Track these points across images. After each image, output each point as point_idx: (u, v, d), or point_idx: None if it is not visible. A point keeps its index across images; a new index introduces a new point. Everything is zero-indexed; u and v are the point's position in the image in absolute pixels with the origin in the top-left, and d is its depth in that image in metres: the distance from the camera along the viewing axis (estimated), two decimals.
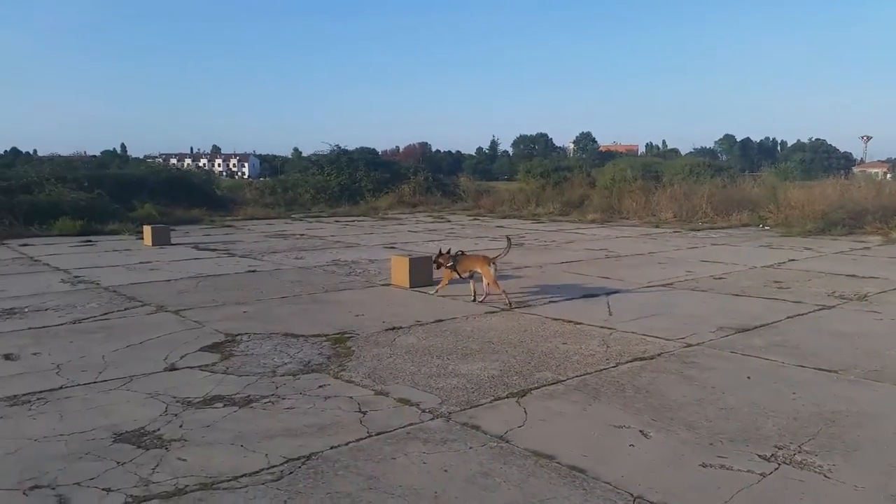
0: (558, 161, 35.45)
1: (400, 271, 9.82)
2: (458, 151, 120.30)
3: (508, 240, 9.24)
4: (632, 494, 3.58)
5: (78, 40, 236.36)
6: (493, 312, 8.09)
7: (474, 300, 8.62)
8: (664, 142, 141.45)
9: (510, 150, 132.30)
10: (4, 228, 17.00)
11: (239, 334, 7.06)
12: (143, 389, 5.29)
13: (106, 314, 8.05)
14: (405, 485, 3.68)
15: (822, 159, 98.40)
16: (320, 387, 5.35)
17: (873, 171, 47.34)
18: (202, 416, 4.70)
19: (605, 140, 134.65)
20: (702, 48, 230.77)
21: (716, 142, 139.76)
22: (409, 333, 7.07)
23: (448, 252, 9.02)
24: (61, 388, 5.35)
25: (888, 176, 40.14)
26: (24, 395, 5.17)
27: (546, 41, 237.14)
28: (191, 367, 5.90)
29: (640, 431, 4.43)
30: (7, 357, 6.22)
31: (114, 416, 4.70)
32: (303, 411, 4.80)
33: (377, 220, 23.11)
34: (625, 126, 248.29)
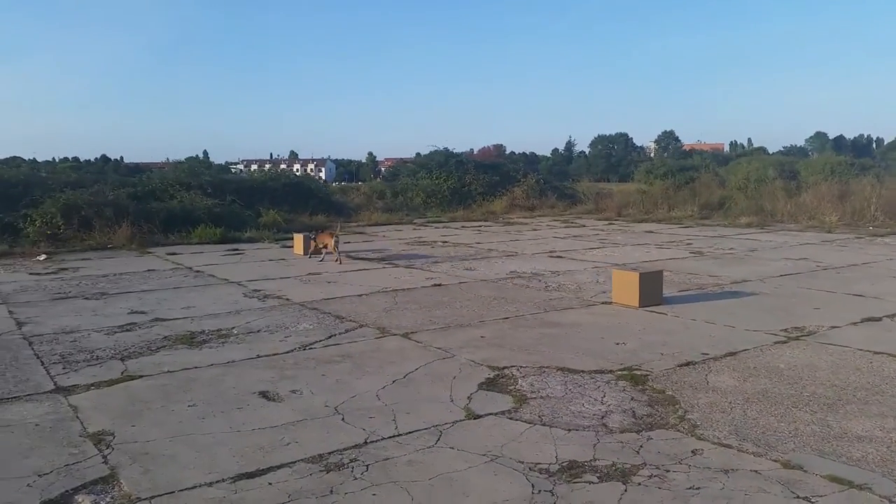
0: (682, 160, 33.38)
1: (625, 288, 8.61)
2: (532, 153, 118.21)
3: None
4: None
5: (161, 52, 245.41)
6: (783, 342, 6.77)
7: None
8: (749, 140, 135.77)
9: (587, 151, 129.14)
10: (144, 236, 16.65)
11: (504, 367, 5.99)
12: (470, 448, 4.24)
13: (329, 337, 7.14)
14: None
15: None
16: (693, 452, 4.18)
17: None
18: (588, 497, 3.59)
19: (687, 139, 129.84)
20: (786, 43, 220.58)
21: (806, 140, 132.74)
22: (713, 371, 5.85)
23: None
24: (366, 443, 4.36)
25: None
26: (329, 453, 4.20)
27: (623, 39, 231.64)
28: (494, 415, 4.85)
29: None
30: (265, 396, 5.31)
31: (477, 496, 3.65)
32: (712, 494, 3.62)
33: (503, 225, 21.99)
34: (708, 124, 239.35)
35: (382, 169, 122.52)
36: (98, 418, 4.83)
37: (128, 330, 7.63)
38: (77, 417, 4.86)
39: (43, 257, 14.04)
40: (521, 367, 6.02)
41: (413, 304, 8.92)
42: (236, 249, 15.45)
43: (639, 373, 5.80)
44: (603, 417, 4.77)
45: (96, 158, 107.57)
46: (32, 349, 6.79)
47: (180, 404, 5.13)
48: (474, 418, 4.79)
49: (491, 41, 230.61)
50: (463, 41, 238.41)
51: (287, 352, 6.60)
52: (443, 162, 32.13)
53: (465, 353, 6.47)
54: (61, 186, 18.69)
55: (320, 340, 7.01)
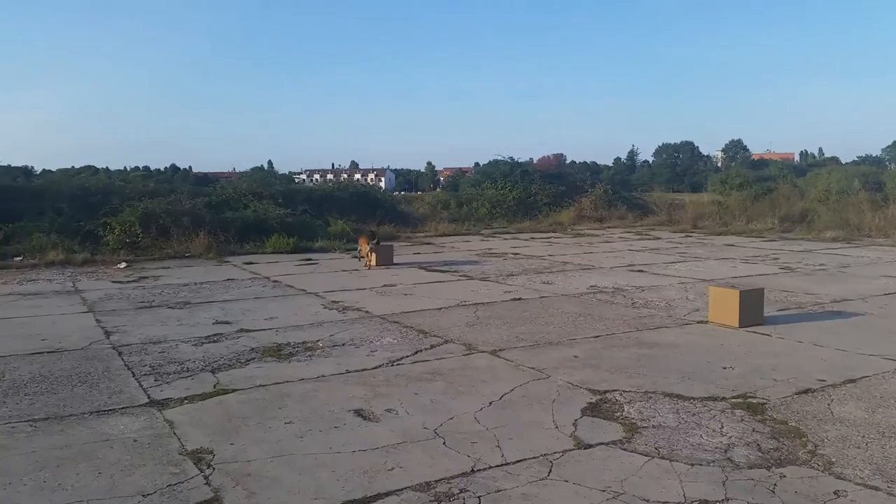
0: (758, 171, 32.21)
1: (724, 306, 8.14)
2: (593, 162, 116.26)
3: None
4: None
5: (227, 59, 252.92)
6: None
7: None
8: (820, 149, 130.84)
9: (650, 160, 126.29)
10: (220, 245, 16.89)
11: (606, 391, 5.66)
12: (587, 482, 3.95)
13: (416, 353, 6.95)
14: None
15: None
16: (836, 494, 3.78)
17: None
18: None
19: (756, 148, 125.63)
20: (858, 49, 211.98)
21: (883, 149, 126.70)
22: (836, 400, 5.40)
23: None
24: (474, 471, 4.12)
25: None
26: (437, 481, 3.96)
27: (688, 45, 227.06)
28: (605, 445, 4.53)
29: None
30: (361, 414, 5.13)
31: None
32: None
33: (573, 237, 21.54)
34: (777, 133, 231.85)
35: (441, 178, 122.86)
36: (195, 435, 4.73)
37: (215, 341, 7.61)
38: (174, 433, 4.78)
39: (123, 265, 14.36)
40: (623, 391, 5.68)
41: (496, 319, 8.66)
42: (309, 259, 15.50)
43: (755, 401, 5.39)
44: (726, 451, 4.40)
45: (166, 168, 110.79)
46: (122, 359, 6.81)
47: (276, 421, 5.00)
48: (584, 448, 4.49)
49: (551, 48, 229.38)
50: (522, 47, 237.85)
51: (376, 367, 6.43)
52: (507, 172, 31.85)
53: (561, 374, 6.17)
54: (138, 195, 19.19)
55: (407, 356, 6.82)
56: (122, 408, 5.35)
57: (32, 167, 79.45)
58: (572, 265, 14.19)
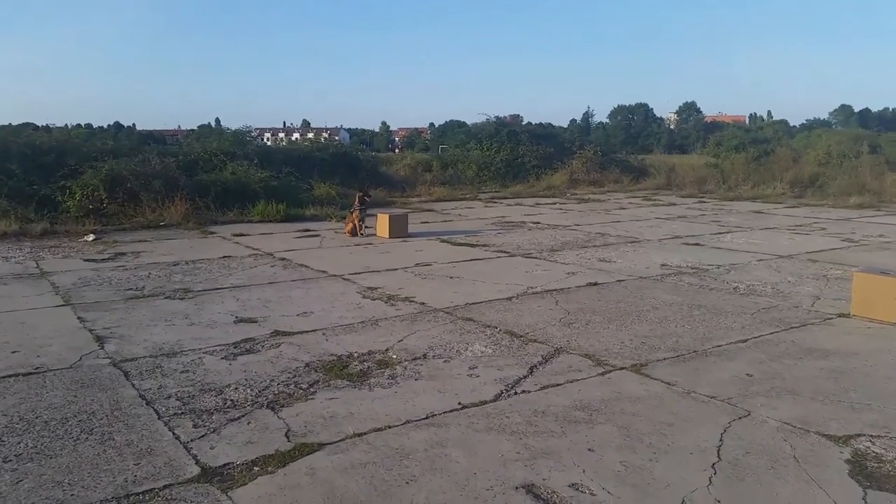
0: (754, 133, 31.03)
1: (874, 298, 6.63)
2: (549, 123, 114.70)
3: None
4: None
5: (169, 18, 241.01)
6: None
7: None
8: (769, 112, 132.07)
9: (606, 122, 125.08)
10: (199, 212, 14.71)
11: (847, 437, 4.10)
12: None
13: (530, 371, 5.24)
14: None
15: None
16: None
17: None
18: None
19: (708, 110, 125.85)
20: (806, 12, 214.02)
21: (830, 113, 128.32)
22: None
23: None
24: None
25: None
26: None
27: (642, 6, 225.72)
28: None
29: None
30: (535, 494, 3.37)
31: None
32: None
33: (579, 203, 19.97)
34: (728, 96, 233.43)
35: (397, 139, 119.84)
36: None
37: (248, 351, 5.73)
38: None
39: (91, 237, 12.16)
40: (871, 436, 4.07)
41: (590, 313, 6.97)
42: (307, 230, 13.50)
43: None
44: None
45: (109, 125, 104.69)
46: (134, 386, 4.90)
47: None
48: None
49: (502, 7, 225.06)
50: (474, 8, 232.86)
51: (497, 398, 4.67)
52: (493, 132, 30.01)
53: (760, 407, 4.53)
54: (99, 154, 16.64)
55: (524, 377, 5.08)
56: (166, 486, 3.48)
57: None
58: (612, 237, 12.57)
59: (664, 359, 5.52)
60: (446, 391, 4.80)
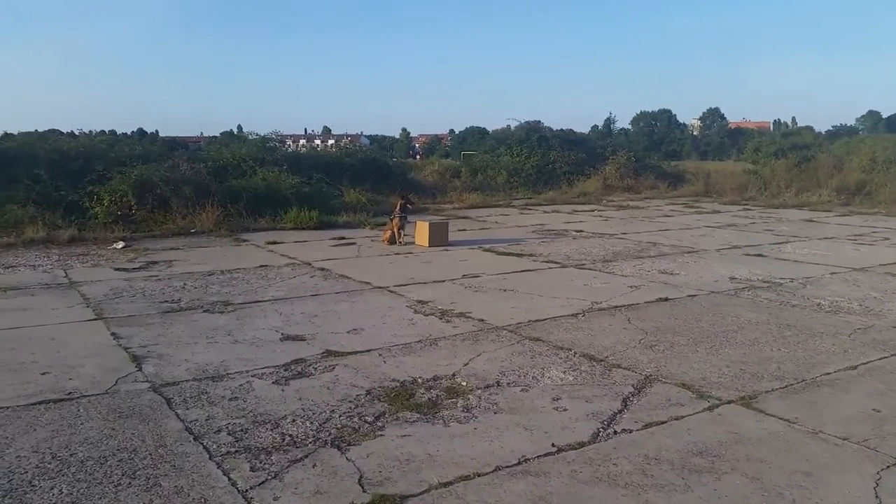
0: (793, 139, 30.06)
1: None
2: (570, 129, 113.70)
3: None
4: None
5: (189, 26, 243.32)
6: None
7: None
8: (794, 119, 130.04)
9: (629, 128, 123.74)
10: (231, 219, 14.23)
11: None
12: None
13: (624, 404, 4.60)
14: None
15: None
16: None
17: None
18: None
19: (732, 116, 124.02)
20: (833, 18, 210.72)
21: (857, 119, 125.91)
22: None
23: None
24: None
25: None
26: None
27: (665, 12, 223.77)
28: None
29: None
30: None
31: None
32: None
33: (618, 210, 19.24)
34: (752, 102, 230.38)
35: (417, 145, 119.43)
36: None
37: (301, 374, 5.16)
38: None
39: (121, 245, 11.71)
40: None
41: (668, 333, 6.33)
42: (342, 238, 12.96)
43: None
44: None
45: (133, 132, 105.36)
46: (178, 416, 4.33)
47: None
48: None
49: (525, 14, 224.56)
50: (496, 14, 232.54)
51: (595, 439, 4.04)
52: (524, 138, 29.38)
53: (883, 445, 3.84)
54: (126, 160, 16.23)
55: (619, 412, 4.45)
56: None
57: None
58: (665, 246, 11.89)
59: (772, 390, 4.86)
60: (533, 428, 4.18)
